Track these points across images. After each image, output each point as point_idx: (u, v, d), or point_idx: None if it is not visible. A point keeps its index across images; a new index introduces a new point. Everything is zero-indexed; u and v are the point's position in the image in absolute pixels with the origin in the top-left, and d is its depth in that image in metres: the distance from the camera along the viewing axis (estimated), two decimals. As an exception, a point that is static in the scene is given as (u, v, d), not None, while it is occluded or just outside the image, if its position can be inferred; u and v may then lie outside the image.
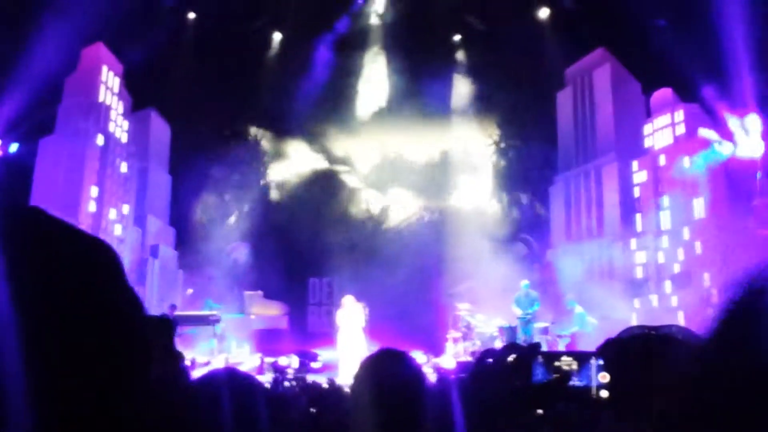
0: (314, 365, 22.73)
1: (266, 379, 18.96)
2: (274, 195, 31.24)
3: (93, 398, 1.28)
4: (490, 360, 2.78)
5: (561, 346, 19.86)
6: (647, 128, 26.15)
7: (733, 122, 22.91)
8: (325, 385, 15.09)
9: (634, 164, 26.30)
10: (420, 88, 29.47)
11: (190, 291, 27.86)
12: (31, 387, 1.21)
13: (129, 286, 1.39)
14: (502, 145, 30.52)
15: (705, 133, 23.58)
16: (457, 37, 29.67)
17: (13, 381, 1.18)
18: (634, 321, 23.06)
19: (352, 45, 30.25)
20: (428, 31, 29.07)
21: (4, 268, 1.22)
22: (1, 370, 1.17)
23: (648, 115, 26.27)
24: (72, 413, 1.27)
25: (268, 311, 27.80)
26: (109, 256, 1.38)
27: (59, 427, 1.26)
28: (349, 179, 31.74)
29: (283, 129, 31.06)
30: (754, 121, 22.56)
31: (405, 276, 27.32)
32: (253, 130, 30.69)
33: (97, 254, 1.37)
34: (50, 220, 1.36)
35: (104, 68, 26.43)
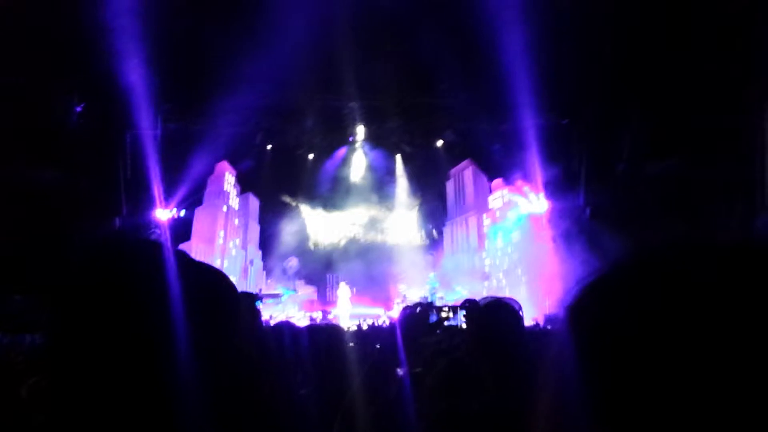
0: (330, 317, 22.82)
1: (305, 323, 19.51)
2: (310, 234, 30.85)
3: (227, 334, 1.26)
4: (409, 311, 3.10)
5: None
6: (490, 198, 26.15)
7: (530, 193, 23.19)
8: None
9: (484, 216, 26.43)
10: (378, 178, 29.89)
11: (270, 281, 27.91)
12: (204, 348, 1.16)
13: (234, 288, 1.34)
14: (421, 206, 30.15)
15: (516, 199, 23.98)
16: (398, 155, 29.34)
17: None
18: (484, 293, 22.90)
19: (348, 157, 29.88)
20: (383, 150, 29.28)
21: (177, 283, 1.16)
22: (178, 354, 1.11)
23: (490, 190, 26.23)
24: (219, 349, 1.22)
25: (307, 290, 27.98)
26: (226, 278, 1.32)
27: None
28: (347, 227, 31.31)
29: (312, 200, 30.65)
30: (541, 194, 22.70)
31: (375, 273, 27.40)
32: (298, 202, 30.26)
33: (221, 277, 1.31)
34: (194, 261, 1.31)
35: (226, 173, 26.69)
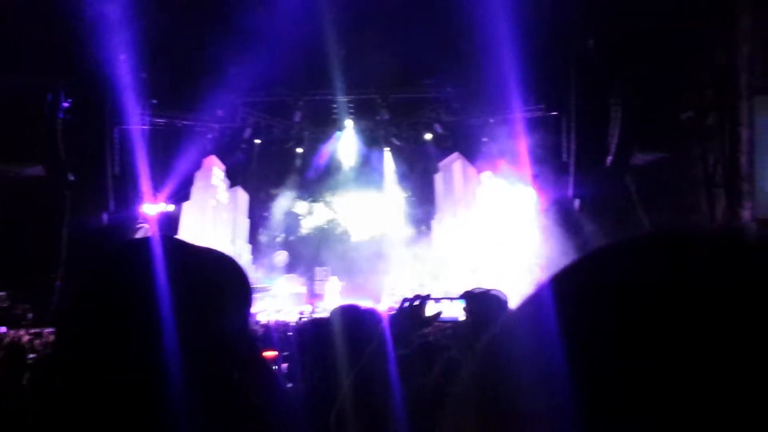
0: (318, 311, 22.77)
1: (295, 317, 19.66)
2: (299, 227, 30.79)
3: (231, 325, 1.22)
4: (407, 303, 3.10)
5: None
6: (479, 190, 26.12)
7: (519, 185, 23.24)
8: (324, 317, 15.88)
9: (473, 208, 26.15)
10: (367, 171, 29.90)
11: (258, 276, 27.54)
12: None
13: (244, 273, 1.35)
14: (410, 199, 30.12)
15: (505, 191, 24.02)
16: (386, 149, 29.26)
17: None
18: (472, 285, 22.88)
19: (337, 150, 29.89)
20: (372, 143, 29.35)
21: (169, 274, 1.14)
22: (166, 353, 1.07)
23: (479, 183, 26.16)
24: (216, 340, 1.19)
25: (296, 284, 27.82)
26: (235, 264, 1.34)
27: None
28: (337, 220, 31.41)
29: (301, 194, 30.61)
30: (530, 186, 22.88)
31: (364, 266, 27.16)
32: (288, 196, 30.17)
33: (228, 261, 1.33)
34: (192, 245, 1.32)
35: (214, 167, 26.59)
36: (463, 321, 3.53)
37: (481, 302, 3.53)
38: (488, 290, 3.85)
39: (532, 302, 0.69)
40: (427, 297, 3.25)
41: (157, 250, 1.21)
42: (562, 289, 0.67)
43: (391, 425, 2.86)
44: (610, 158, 20.33)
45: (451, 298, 3.44)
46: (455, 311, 3.51)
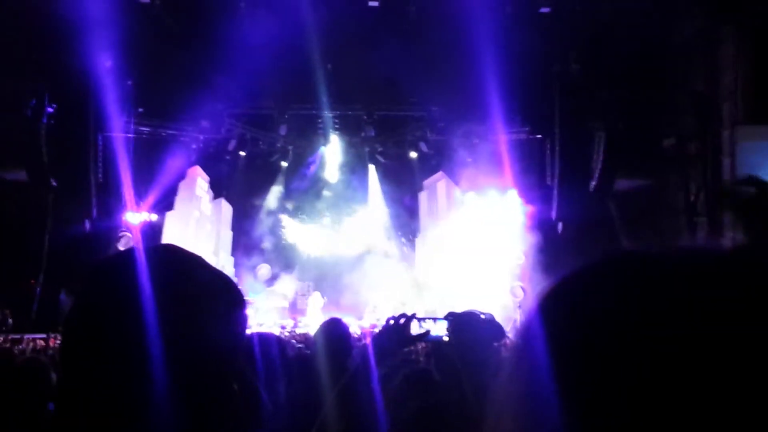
0: (300, 325, 22.75)
1: (277, 331, 19.42)
2: (282, 241, 30.60)
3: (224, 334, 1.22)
4: (392, 321, 3.11)
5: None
6: (463, 210, 25.58)
7: (503, 207, 23.24)
8: (307, 333, 15.74)
9: (456, 227, 25.48)
10: (352, 187, 29.91)
11: (241, 289, 27.41)
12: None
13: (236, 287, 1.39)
14: (394, 217, 29.97)
15: (489, 212, 23.84)
16: (371, 165, 29.23)
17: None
18: (456, 306, 22.88)
19: (321, 165, 29.75)
20: (357, 159, 29.32)
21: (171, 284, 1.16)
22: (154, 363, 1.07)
23: (463, 203, 25.74)
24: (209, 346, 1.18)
25: (278, 299, 27.40)
26: (227, 276, 1.38)
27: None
28: (320, 235, 31.05)
29: (285, 207, 30.46)
30: (514, 208, 22.93)
31: (347, 282, 27.07)
32: (271, 209, 30.10)
33: (225, 279, 1.36)
34: (197, 258, 1.32)
35: (198, 178, 26.46)
36: (446, 342, 3.44)
37: (465, 324, 3.49)
38: (473, 311, 3.82)
39: (525, 335, 0.73)
40: (413, 316, 3.19)
41: (152, 261, 1.20)
42: (549, 316, 0.71)
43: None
44: (593, 183, 20.47)
45: (435, 318, 3.37)
46: (439, 331, 3.43)
